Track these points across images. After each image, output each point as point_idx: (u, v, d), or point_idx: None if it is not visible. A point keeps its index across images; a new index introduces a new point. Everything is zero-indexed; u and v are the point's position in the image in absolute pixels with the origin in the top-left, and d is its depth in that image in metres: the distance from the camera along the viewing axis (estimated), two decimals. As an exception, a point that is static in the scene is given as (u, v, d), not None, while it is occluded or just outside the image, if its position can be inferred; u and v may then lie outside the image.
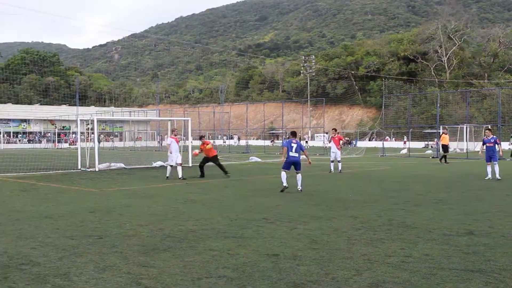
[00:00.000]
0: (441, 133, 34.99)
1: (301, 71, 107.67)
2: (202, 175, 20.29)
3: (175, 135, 20.77)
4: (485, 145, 20.46)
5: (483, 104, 74.53)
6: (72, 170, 24.02)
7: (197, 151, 21.32)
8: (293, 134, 16.16)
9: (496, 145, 20.12)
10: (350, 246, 7.81)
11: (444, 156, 30.82)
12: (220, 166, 20.87)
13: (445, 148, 31.69)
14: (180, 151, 20.46)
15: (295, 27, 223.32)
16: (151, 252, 7.30)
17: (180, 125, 40.21)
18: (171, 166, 19.85)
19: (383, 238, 8.42)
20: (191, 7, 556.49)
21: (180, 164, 19.85)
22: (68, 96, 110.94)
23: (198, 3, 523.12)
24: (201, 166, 20.65)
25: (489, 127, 23.16)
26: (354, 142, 75.39)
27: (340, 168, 23.52)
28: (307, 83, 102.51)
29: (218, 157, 21.52)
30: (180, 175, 19.38)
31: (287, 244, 7.94)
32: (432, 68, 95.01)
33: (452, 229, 9.18)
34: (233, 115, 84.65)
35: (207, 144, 20.97)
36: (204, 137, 23.46)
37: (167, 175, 19.71)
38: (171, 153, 19.86)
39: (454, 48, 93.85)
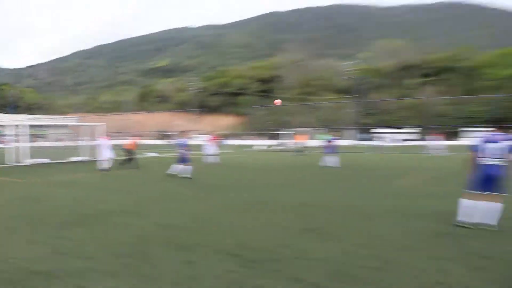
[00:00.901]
0: (295, 134, 36.65)
1: (188, 89, 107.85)
2: (133, 166, 19.68)
3: (106, 136, 20.16)
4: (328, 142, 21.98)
5: (316, 113, 79.32)
6: (4, 165, 22.44)
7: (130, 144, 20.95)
8: (183, 133, 16.10)
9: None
10: (219, 219, 8.16)
11: (302, 151, 31.72)
12: (133, 160, 20.49)
13: (303, 146, 32.64)
14: (109, 149, 19.50)
15: (184, 56, 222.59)
16: (69, 227, 7.26)
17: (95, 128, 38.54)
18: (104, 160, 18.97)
19: (248, 211, 8.86)
20: (105, 37, 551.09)
21: (108, 160, 18.92)
22: (2, 106, 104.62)
23: (110, 35, 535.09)
24: (130, 159, 20.25)
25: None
26: (226, 141, 76.35)
27: (216, 160, 24.05)
28: (193, 97, 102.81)
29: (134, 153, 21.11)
30: (106, 167, 18.56)
31: (176, 218, 8.14)
32: (282, 87, 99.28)
33: (292, 201, 9.86)
34: (135, 121, 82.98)
35: (133, 143, 21.05)
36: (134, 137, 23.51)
37: (104, 168, 18.59)
38: (102, 150, 18.93)
39: (297, 73, 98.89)
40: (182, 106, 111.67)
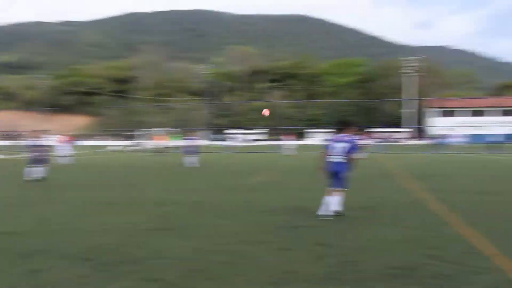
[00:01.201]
0: (153, 135, 35.84)
1: (38, 86, 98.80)
2: None
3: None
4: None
5: (170, 114, 79.06)
6: None
7: None
8: (35, 133, 14.71)
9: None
10: (70, 221, 7.54)
11: (161, 152, 31.17)
12: None
13: (162, 146, 31.94)
14: None
15: (35, 52, 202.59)
16: None
17: None
18: None
19: (101, 212, 8.34)
20: None
21: None
22: None
23: None
24: None
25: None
26: (79, 141, 71.66)
27: (70, 161, 22.53)
28: (43, 95, 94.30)
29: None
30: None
31: (20, 223, 7.32)
32: (137, 88, 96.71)
33: (147, 200, 9.53)
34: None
35: None
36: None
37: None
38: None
39: (153, 74, 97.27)
40: (31, 105, 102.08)
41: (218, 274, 4.70)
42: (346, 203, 7.90)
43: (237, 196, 10.39)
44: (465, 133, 56.00)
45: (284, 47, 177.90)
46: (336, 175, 7.45)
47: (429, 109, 69.15)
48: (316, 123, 70.83)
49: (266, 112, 22.07)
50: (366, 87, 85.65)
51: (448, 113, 65.61)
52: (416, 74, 69.49)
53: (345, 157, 7.37)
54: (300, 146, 44.70)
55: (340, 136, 7.53)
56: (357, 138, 7.54)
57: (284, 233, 6.58)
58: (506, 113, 64.73)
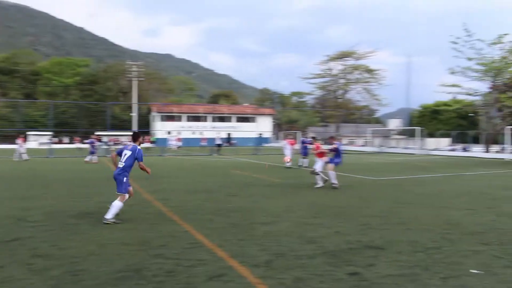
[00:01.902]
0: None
1: None
2: None
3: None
4: None
5: None
6: None
7: None
8: None
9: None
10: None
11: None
12: None
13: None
14: None
15: None
16: None
17: None
18: None
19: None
20: None
21: None
22: None
23: None
24: None
25: None
26: None
27: None
28: None
29: None
30: None
31: None
32: None
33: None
34: None
35: None
36: None
37: None
38: None
39: None
40: None
41: None
42: (69, 210, 7.54)
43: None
44: (183, 137, 60.65)
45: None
46: (116, 180, 7.73)
47: (153, 113, 72.02)
48: (36, 125, 64.46)
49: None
50: (90, 88, 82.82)
51: (170, 118, 69.79)
52: (140, 78, 71.38)
53: (126, 165, 7.72)
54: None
55: (128, 145, 7.96)
56: (138, 147, 7.93)
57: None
58: (221, 119, 73.29)
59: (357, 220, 8.04)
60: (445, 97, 76.12)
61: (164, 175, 17.12)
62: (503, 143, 32.80)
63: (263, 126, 71.77)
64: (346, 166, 22.79)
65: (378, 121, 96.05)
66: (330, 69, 73.14)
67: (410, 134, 58.84)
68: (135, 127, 64.85)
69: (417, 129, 47.95)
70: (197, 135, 67.47)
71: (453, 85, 43.36)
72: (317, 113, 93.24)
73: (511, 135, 35.78)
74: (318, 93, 79.20)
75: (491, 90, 44.03)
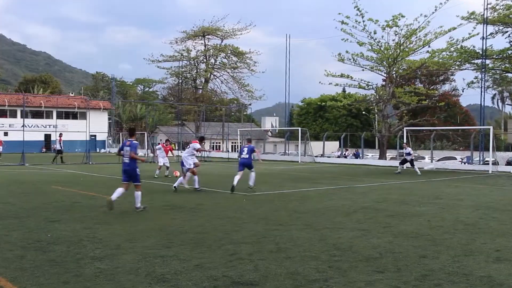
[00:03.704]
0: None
1: None
2: None
3: None
4: None
5: None
6: None
7: None
8: None
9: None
10: None
11: None
12: None
13: None
14: None
15: None
16: None
17: None
18: None
19: None
20: None
21: None
22: None
23: None
24: None
25: None
26: None
27: None
28: None
29: None
30: None
31: None
32: None
33: None
34: None
35: None
36: None
37: None
38: None
39: None
40: None
41: None
42: None
43: None
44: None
45: None
46: (130, 174, 12.48)
47: None
48: None
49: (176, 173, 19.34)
50: None
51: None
52: None
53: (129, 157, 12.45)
54: None
55: (127, 140, 12.75)
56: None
57: None
58: (36, 114, 69.94)
59: (223, 249, 8.13)
60: (333, 90, 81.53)
61: None
62: (401, 148, 36.16)
63: (97, 124, 69.55)
64: (210, 178, 23.06)
65: (250, 119, 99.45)
66: (187, 50, 73.65)
67: (290, 136, 61.80)
68: None
69: (299, 130, 50.54)
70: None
71: (342, 75, 46.68)
72: (170, 108, 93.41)
73: (406, 138, 39.55)
74: (172, 81, 79.37)
75: (385, 83, 48.40)
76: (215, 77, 75.56)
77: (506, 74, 47.51)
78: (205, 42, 73.63)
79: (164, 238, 9.00)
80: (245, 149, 18.10)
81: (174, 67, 74.52)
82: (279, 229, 10.03)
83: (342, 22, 43.24)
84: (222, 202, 14.61)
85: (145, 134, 55.57)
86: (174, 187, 17.18)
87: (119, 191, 12.34)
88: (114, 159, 38.41)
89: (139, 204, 12.42)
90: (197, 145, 17.34)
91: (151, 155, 43.06)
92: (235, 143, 68.61)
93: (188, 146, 18.16)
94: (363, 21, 42.54)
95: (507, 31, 41.61)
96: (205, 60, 74.25)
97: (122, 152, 12.64)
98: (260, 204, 14.28)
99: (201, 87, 75.81)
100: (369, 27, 42.94)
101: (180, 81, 77.24)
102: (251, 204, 14.12)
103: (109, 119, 79.06)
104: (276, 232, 9.73)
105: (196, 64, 74.33)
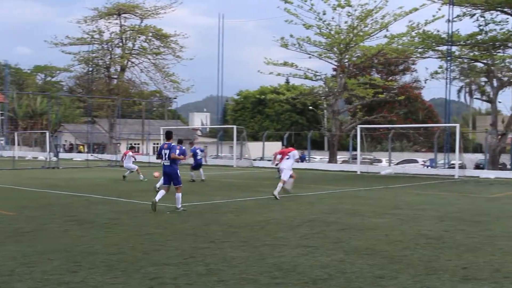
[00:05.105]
0: None
1: None
2: None
3: None
4: None
5: None
6: None
7: None
8: None
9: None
10: None
11: None
12: None
13: None
14: None
15: None
16: None
17: None
18: None
19: None
20: None
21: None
22: None
23: None
24: None
25: None
26: None
27: None
28: None
29: None
30: None
31: None
32: None
33: None
34: None
35: None
36: None
37: None
38: None
39: None
40: None
41: None
42: None
43: None
44: None
45: None
46: (171, 176, 15.06)
47: None
48: None
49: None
50: None
51: None
52: None
53: (171, 160, 14.99)
54: None
55: (164, 144, 15.49)
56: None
57: None
58: None
59: (142, 272, 8.04)
60: (275, 81, 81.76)
61: None
62: (354, 150, 36.73)
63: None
64: (126, 187, 22.86)
65: (175, 115, 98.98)
66: (99, 32, 72.21)
67: (223, 135, 61.77)
68: None
69: (234, 128, 50.61)
70: None
71: (286, 64, 46.95)
72: (78, 102, 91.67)
73: (360, 137, 40.23)
74: (80, 69, 77.67)
75: (336, 73, 48.90)
76: (133, 65, 74.28)
77: (475, 63, 48.33)
78: (120, 22, 72.33)
79: (70, 261, 8.81)
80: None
81: (83, 52, 72.51)
82: (210, 247, 10.01)
83: (286, 1, 43.51)
84: (141, 215, 14.45)
85: (47, 133, 53.93)
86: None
87: (161, 193, 15.11)
88: (7, 164, 37.37)
89: (180, 205, 15.15)
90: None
91: (54, 158, 42.18)
92: (158, 144, 68.07)
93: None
94: (310, 0, 42.87)
95: (475, 14, 42.61)
96: (121, 44, 73.00)
97: (160, 155, 15.16)
98: (187, 217, 14.21)
99: (116, 76, 74.49)
100: (317, 7, 43.23)
101: (91, 69, 75.60)
102: (176, 218, 14.05)
103: (1, 115, 76.82)
104: (207, 250, 9.71)
105: (110, 49, 72.89)
